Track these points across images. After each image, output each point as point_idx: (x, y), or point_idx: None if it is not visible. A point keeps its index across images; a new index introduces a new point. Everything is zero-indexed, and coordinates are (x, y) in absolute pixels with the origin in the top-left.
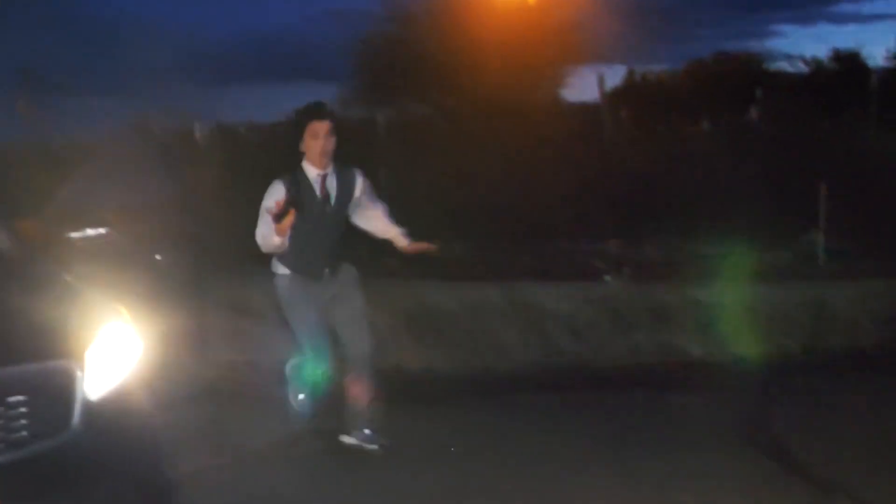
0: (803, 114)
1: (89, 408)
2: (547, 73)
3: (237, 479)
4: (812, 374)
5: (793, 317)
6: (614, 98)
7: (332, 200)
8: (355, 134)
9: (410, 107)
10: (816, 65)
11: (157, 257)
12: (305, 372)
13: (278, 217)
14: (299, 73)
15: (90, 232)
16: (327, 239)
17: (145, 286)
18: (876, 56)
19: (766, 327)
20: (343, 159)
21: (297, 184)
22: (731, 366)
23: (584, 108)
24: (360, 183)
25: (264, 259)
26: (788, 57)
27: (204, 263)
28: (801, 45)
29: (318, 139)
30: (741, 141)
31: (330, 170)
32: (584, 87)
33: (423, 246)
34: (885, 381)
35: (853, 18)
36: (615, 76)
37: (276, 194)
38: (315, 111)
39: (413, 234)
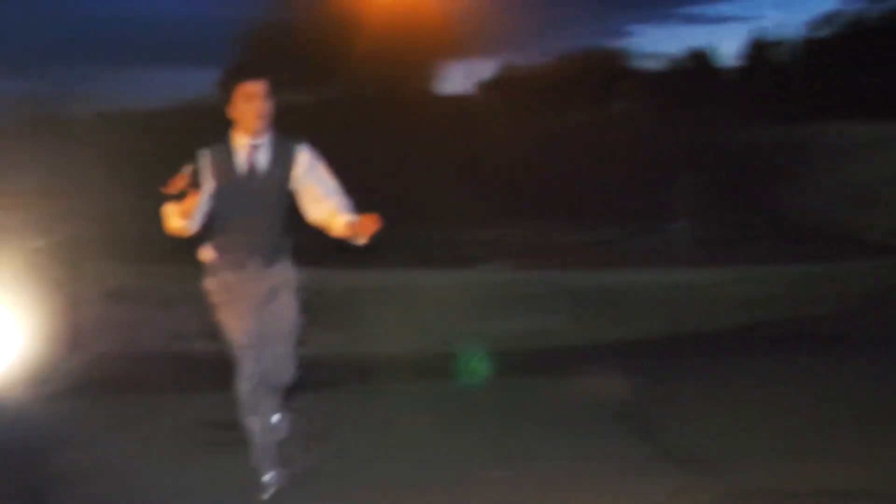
0: (665, 108)
1: None
2: (423, 66)
3: (116, 475)
4: (679, 357)
5: (660, 301)
6: (488, 90)
7: (261, 175)
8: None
9: (290, 95)
10: (674, 62)
11: (37, 244)
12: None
13: (178, 196)
14: (182, 58)
15: None
16: (256, 222)
17: (23, 275)
18: (725, 55)
19: (635, 311)
20: (285, 130)
21: (219, 155)
22: (600, 350)
23: (459, 100)
24: (302, 160)
25: (145, 247)
26: (647, 55)
27: (82, 250)
28: (656, 44)
29: (252, 102)
30: (609, 133)
31: (264, 140)
32: (459, 79)
33: (372, 221)
34: (747, 361)
35: (702, 19)
36: (488, 70)
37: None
38: (250, 69)
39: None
